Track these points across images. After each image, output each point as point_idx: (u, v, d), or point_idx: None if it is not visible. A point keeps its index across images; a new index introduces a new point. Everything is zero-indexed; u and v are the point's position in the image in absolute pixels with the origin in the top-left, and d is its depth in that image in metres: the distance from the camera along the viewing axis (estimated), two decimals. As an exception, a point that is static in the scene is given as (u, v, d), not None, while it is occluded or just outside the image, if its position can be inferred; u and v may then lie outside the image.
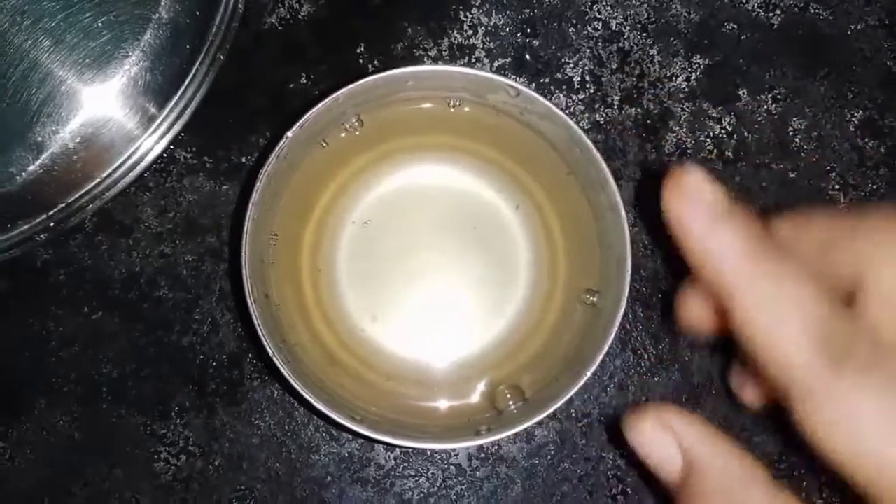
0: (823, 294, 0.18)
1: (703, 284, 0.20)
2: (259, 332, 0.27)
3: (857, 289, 0.20)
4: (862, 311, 0.20)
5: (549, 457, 0.34)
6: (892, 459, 0.17)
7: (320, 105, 0.29)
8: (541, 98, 0.29)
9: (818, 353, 0.18)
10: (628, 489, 0.34)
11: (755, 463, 0.20)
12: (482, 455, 0.34)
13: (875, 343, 0.18)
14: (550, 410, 0.28)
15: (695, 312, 0.24)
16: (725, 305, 0.19)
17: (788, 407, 0.18)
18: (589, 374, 0.28)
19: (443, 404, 0.32)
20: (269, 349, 0.27)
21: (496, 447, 0.34)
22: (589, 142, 0.29)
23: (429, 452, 0.34)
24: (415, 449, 0.34)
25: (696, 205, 0.20)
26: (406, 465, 0.34)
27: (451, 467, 0.34)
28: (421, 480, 0.34)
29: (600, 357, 0.28)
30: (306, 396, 0.27)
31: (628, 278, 0.28)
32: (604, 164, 0.29)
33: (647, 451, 0.21)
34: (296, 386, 0.27)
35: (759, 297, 0.19)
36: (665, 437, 0.21)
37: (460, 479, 0.34)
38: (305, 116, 0.29)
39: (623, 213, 0.28)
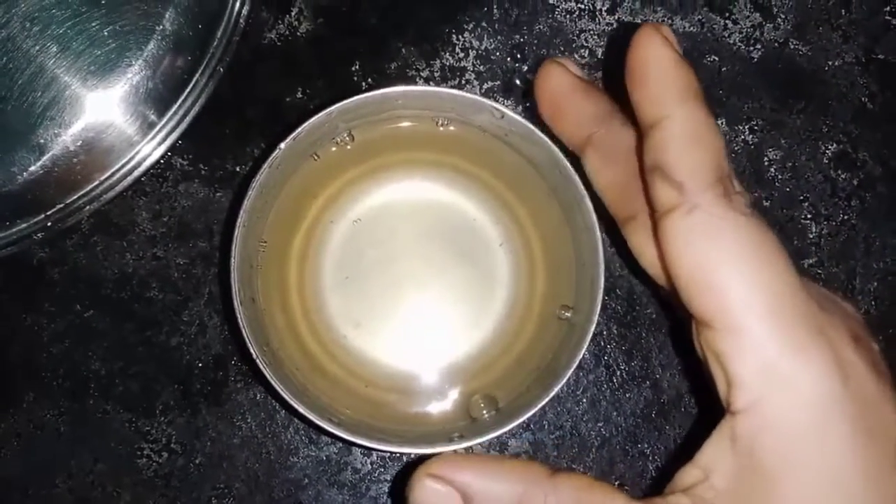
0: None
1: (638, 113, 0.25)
2: (244, 334, 0.28)
3: None
4: None
5: (521, 467, 0.35)
6: (724, 285, 0.22)
7: (313, 119, 0.30)
8: (523, 120, 0.30)
9: (717, 182, 0.23)
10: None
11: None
12: (457, 463, 0.35)
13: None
14: (521, 420, 0.29)
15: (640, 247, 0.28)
16: (649, 127, 0.24)
17: (663, 215, 0.23)
18: (559, 386, 0.29)
19: (419, 412, 0.33)
20: (252, 350, 0.28)
21: (471, 456, 0.35)
22: (567, 163, 0.30)
23: (404, 459, 0.35)
24: (391, 453, 0.35)
25: (669, 46, 0.24)
26: (382, 470, 0.35)
27: (426, 474, 0.35)
28: (396, 485, 0.35)
29: (570, 371, 0.29)
30: (286, 398, 0.28)
31: (601, 296, 0.29)
32: (581, 185, 0.30)
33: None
34: (276, 387, 0.28)
35: (687, 125, 0.23)
36: (439, 487, 0.24)
37: (435, 485, 0.35)
38: (299, 129, 0.30)
39: (598, 233, 0.30)
